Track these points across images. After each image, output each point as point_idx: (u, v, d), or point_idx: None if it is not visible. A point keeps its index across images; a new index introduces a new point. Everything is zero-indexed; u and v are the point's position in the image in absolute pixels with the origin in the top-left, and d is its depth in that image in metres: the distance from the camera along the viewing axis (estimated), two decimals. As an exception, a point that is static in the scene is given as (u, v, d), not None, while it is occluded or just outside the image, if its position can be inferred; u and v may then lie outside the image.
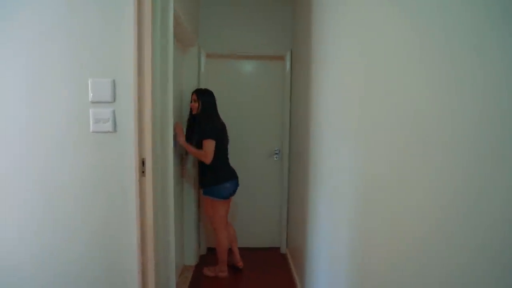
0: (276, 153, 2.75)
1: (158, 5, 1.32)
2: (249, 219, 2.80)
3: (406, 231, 0.78)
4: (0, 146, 1.22)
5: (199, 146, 2.07)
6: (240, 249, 2.71)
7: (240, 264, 2.43)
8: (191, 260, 2.47)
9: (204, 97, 2.14)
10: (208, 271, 2.34)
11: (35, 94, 1.22)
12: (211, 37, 2.55)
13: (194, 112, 2.16)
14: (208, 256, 2.64)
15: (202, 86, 2.54)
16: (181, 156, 2.30)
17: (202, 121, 2.11)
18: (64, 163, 1.24)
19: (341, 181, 1.27)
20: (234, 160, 2.58)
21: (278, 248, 2.82)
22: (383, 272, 0.89)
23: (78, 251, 1.27)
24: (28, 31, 1.20)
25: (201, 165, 2.17)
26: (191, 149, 2.08)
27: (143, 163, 1.26)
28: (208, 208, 2.22)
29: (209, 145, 2.04)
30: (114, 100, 1.26)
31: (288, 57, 2.60)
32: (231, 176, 2.19)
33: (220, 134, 2.13)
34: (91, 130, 1.25)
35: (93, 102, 1.24)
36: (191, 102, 2.17)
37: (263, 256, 2.69)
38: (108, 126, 1.25)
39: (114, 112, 1.25)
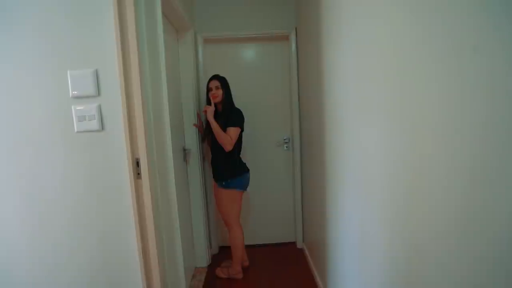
0: (286, 142, 2.56)
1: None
2: (260, 214, 2.64)
3: (478, 232, 0.59)
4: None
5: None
6: (253, 246, 2.58)
7: (246, 263, 2.31)
8: (203, 261, 2.33)
9: (226, 83, 2.01)
10: (221, 272, 2.19)
11: (9, 94, 1.05)
12: (208, 20, 2.34)
13: (216, 101, 1.97)
14: (221, 256, 2.50)
15: (201, 74, 2.36)
16: (183, 150, 2.13)
17: (226, 108, 1.98)
18: (48, 170, 1.09)
19: (368, 167, 1.09)
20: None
21: (294, 243, 2.67)
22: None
23: (75, 266, 1.13)
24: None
25: (218, 159, 2.02)
26: (218, 128, 1.88)
27: (137, 163, 1.09)
28: (224, 203, 2.04)
29: (235, 133, 1.92)
30: (99, 93, 1.08)
31: (293, 36, 2.37)
32: (246, 167, 2.11)
33: (243, 122, 2.01)
34: (75, 130, 1.08)
35: (75, 98, 1.07)
36: (210, 90, 1.99)
37: (279, 251, 2.54)
38: (94, 124, 1.08)
39: (100, 107, 1.08)
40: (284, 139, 2.56)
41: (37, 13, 1.03)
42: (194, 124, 2.18)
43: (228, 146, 1.90)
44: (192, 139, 2.22)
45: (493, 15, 0.53)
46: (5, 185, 1.08)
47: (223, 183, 2.00)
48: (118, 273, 1.14)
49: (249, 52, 2.51)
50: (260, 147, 2.57)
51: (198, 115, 2.24)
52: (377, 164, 1.02)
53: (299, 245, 2.61)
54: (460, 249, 0.64)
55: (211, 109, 1.92)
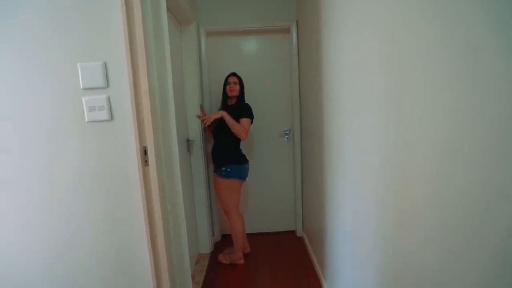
0: (287, 133, 2.62)
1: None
2: (261, 204, 2.72)
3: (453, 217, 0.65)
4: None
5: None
6: (254, 234, 2.67)
7: (248, 250, 2.41)
8: (206, 248, 2.42)
9: (242, 82, 2.22)
10: (223, 258, 2.29)
11: (22, 86, 1.11)
12: (209, 13, 2.37)
13: (233, 94, 2.17)
14: (223, 243, 2.59)
15: (204, 67, 2.40)
16: (186, 140, 2.20)
17: (240, 102, 2.18)
18: (60, 158, 1.15)
19: (364, 155, 1.15)
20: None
21: (294, 231, 2.75)
22: (421, 262, 0.78)
23: (86, 247, 1.20)
24: (6, 14, 1.07)
25: (221, 146, 2.14)
26: (232, 120, 2.04)
27: (145, 152, 1.15)
28: (223, 192, 2.13)
29: (248, 123, 2.10)
30: (108, 85, 1.14)
31: (294, 29, 2.40)
32: (246, 158, 2.21)
33: (253, 116, 2.17)
34: (86, 120, 1.14)
35: (85, 89, 1.13)
36: (228, 84, 2.17)
37: (279, 240, 2.63)
38: (104, 114, 1.14)
39: (109, 98, 1.14)
40: (285, 131, 2.62)
41: (48, 8, 1.08)
42: (198, 116, 2.24)
43: (244, 135, 2.07)
44: (195, 130, 2.28)
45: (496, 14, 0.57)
46: (20, 174, 1.15)
47: (223, 172, 2.08)
48: (127, 253, 1.21)
49: (250, 45, 2.55)
50: (262, 138, 2.63)
51: (202, 107, 2.30)
52: (371, 153, 1.08)
53: (299, 233, 2.70)
54: (437, 221, 0.70)
55: (224, 112, 2.07)
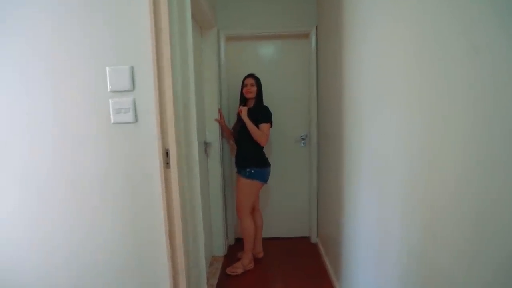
0: (303, 139, 2.60)
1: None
2: (276, 208, 2.71)
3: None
4: (20, 142, 1.19)
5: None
6: (268, 239, 2.66)
7: (261, 254, 2.40)
8: (220, 251, 2.44)
9: (260, 82, 2.20)
10: (232, 269, 2.19)
11: (54, 86, 1.16)
12: (229, 19, 2.41)
13: (250, 96, 2.16)
14: (237, 246, 2.59)
15: (223, 71, 2.43)
16: (204, 143, 2.23)
17: (258, 105, 2.17)
18: (86, 157, 1.19)
19: (388, 161, 1.13)
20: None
21: (308, 238, 2.72)
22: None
23: (105, 244, 1.23)
24: (41, 20, 1.13)
25: (245, 150, 2.15)
26: (253, 126, 2.06)
27: (167, 154, 1.18)
28: (243, 192, 2.15)
29: (268, 128, 2.10)
30: (134, 88, 1.17)
31: (313, 34, 2.40)
32: (268, 162, 2.23)
33: (272, 119, 2.16)
34: (112, 121, 1.18)
35: (112, 92, 1.17)
36: (245, 86, 2.17)
37: (293, 245, 2.61)
38: (129, 116, 1.18)
39: (134, 101, 1.17)
40: (301, 136, 2.61)
41: (81, 12, 1.13)
42: (216, 119, 2.27)
43: (264, 141, 2.08)
44: (212, 133, 2.31)
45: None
46: (47, 174, 1.20)
47: (247, 173, 2.11)
48: (146, 252, 1.24)
49: (269, 49, 2.57)
50: (278, 143, 2.63)
51: (220, 111, 2.33)
52: (395, 160, 1.06)
53: (313, 240, 2.67)
54: (477, 238, 0.68)
55: (245, 110, 2.07)
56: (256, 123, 2.07)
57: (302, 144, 2.62)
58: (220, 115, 2.32)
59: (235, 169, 2.29)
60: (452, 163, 0.74)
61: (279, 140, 2.63)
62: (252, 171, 2.10)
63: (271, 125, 2.14)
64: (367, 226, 1.35)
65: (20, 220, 1.23)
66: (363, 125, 1.37)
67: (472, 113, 0.67)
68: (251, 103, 2.20)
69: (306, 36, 2.46)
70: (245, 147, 2.16)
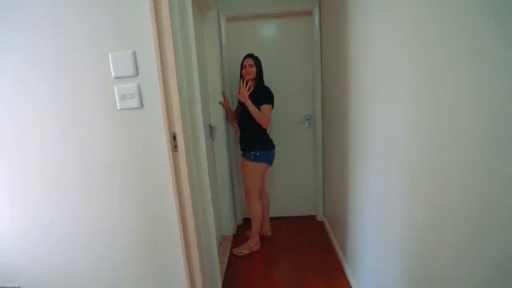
0: (308, 119, 2.60)
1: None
2: (282, 188, 2.76)
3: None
4: (27, 131, 1.21)
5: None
6: (275, 218, 2.73)
7: (269, 233, 2.46)
8: (229, 230, 2.51)
9: (259, 62, 2.13)
10: (240, 250, 2.24)
11: (58, 77, 1.17)
12: (229, -2, 2.35)
13: (249, 78, 2.09)
14: (245, 226, 2.67)
15: (225, 53, 2.40)
16: (209, 126, 2.24)
17: (259, 86, 2.11)
18: (94, 144, 1.22)
19: (393, 141, 1.14)
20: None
21: (314, 216, 2.78)
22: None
23: (118, 228, 1.29)
24: (43, 6, 1.13)
25: (249, 132, 2.13)
26: (254, 108, 2.01)
27: (174, 138, 1.20)
28: (249, 175, 2.15)
29: (269, 110, 2.05)
30: (138, 73, 1.18)
31: (316, 11, 2.34)
32: (273, 144, 2.21)
33: (274, 100, 2.12)
34: (118, 108, 1.19)
35: (116, 78, 1.18)
36: (244, 67, 2.10)
37: (300, 224, 2.67)
38: (135, 102, 1.19)
39: (139, 86, 1.18)
40: (306, 117, 2.60)
41: (81, 3, 1.12)
42: (220, 102, 2.27)
43: (265, 123, 2.03)
44: (217, 116, 2.32)
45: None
46: (54, 160, 1.23)
47: (252, 156, 2.10)
48: (159, 233, 1.29)
49: (271, 29, 2.51)
50: (283, 124, 2.64)
51: (224, 94, 2.32)
52: (400, 138, 1.06)
53: (319, 218, 2.73)
54: (473, 215, 0.70)
55: (245, 93, 2.00)
56: (257, 105, 2.03)
57: (307, 125, 2.62)
58: (224, 98, 2.31)
59: (240, 152, 2.28)
60: (457, 145, 0.75)
61: (284, 121, 2.63)
62: (257, 153, 2.10)
63: (273, 106, 2.11)
64: (371, 203, 1.37)
65: (28, 206, 1.28)
66: (368, 105, 1.36)
67: (476, 109, 0.66)
68: (251, 85, 2.12)
69: (309, 13, 2.40)
70: (249, 130, 2.14)
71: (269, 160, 2.16)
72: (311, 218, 2.77)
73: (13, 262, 1.35)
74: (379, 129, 1.25)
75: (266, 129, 2.14)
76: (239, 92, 2.05)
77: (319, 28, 2.36)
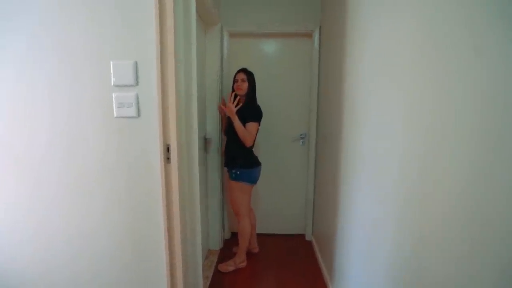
0: (302, 138, 2.63)
1: (180, -20, 1.22)
2: (272, 205, 2.75)
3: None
4: (23, 134, 1.21)
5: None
6: (263, 235, 2.70)
7: (256, 249, 2.42)
8: (216, 244, 2.48)
9: (252, 78, 2.09)
10: (225, 267, 2.19)
11: (58, 79, 1.18)
12: (234, 15, 2.41)
13: (240, 93, 2.04)
14: (233, 241, 2.63)
15: (225, 67, 2.44)
16: (204, 139, 2.25)
17: (248, 102, 2.04)
18: (88, 149, 1.21)
19: (383, 164, 1.16)
20: (257, 144, 2.50)
21: (303, 235, 2.76)
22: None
23: (105, 236, 1.27)
24: (48, 13, 1.15)
25: (233, 148, 2.07)
26: (240, 124, 1.93)
27: (168, 149, 1.21)
28: (234, 194, 2.10)
29: (255, 128, 1.99)
30: (137, 83, 1.19)
31: (316, 34, 2.41)
32: (258, 161, 2.16)
33: (261, 119, 2.06)
34: (114, 115, 1.20)
35: (115, 86, 1.19)
36: (236, 82, 2.07)
37: (287, 242, 2.65)
38: (132, 111, 1.20)
39: (137, 96, 1.19)
40: (301, 135, 2.63)
41: (87, 5, 1.14)
42: (219, 106, 2.25)
43: (249, 141, 1.96)
44: (212, 128, 2.33)
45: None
46: (47, 164, 1.22)
47: (233, 174, 2.04)
48: (145, 242, 1.27)
49: (272, 47, 2.58)
50: (277, 141, 2.66)
51: (223, 99, 2.30)
52: (391, 161, 1.09)
53: (308, 237, 2.71)
54: (462, 237, 0.71)
55: (233, 108, 1.93)
56: (244, 121, 1.96)
57: (301, 143, 2.65)
58: (223, 102, 2.22)
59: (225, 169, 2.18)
60: (449, 168, 0.77)
61: (278, 138, 2.66)
62: (238, 172, 2.02)
63: (259, 124, 2.03)
64: (360, 226, 1.38)
65: (21, 213, 1.26)
66: (361, 127, 1.39)
67: (470, 120, 0.69)
68: (241, 100, 2.05)
69: (309, 35, 2.47)
70: (233, 145, 2.05)
71: (251, 179, 2.07)
72: (300, 236, 2.75)
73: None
74: (371, 154, 1.27)
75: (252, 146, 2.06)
76: (226, 105, 1.98)
77: (318, 49, 2.43)
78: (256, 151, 2.29)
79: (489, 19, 0.63)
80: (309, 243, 2.65)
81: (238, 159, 2.04)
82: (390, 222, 1.08)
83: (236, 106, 1.96)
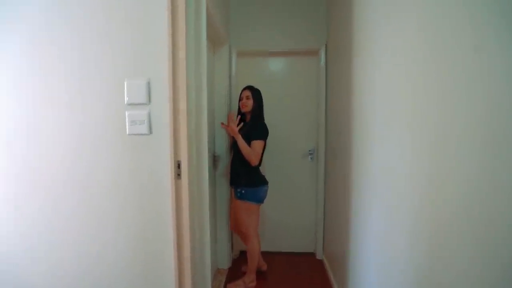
0: (311, 154, 2.62)
1: (192, 5, 1.28)
2: (282, 222, 2.70)
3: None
4: (41, 149, 1.24)
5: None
6: (272, 253, 2.64)
7: (265, 267, 2.36)
8: (225, 263, 2.42)
9: (258, 95, 2.07)
10: (234, 287, 2.13)
11: (74, 96, 1.22)
12: (241, 35, 2.49)
13: (245, 110, 2.03)
14: (241, 259, 2.58)
15: (234, 85, 2.49)
16: (213, 156, 2.26)
17: (254, 120, 2.02)
18: (101, 166, 1.23)
19: (395, 180, 1.14)
20: (266, 161, 2.50)
21: (313, 254, 2.69)
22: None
23: (115, 253, 1.26)
24: (65, 34, 1.20)
25: (238, 166, 2.04)
26: (244, 143, 1.90)
27: (178, 165, 1.22)
28: (241, 214, 2.04)
29: (260, 146, 1.94)
30: (150, 101, 1.22)
31: (322, 51, 2.46)
32: (265, 180, 2.11)
33: (267, 137, 2.03)
34: (127, 132, 1.22)
35: (129, 104, 1.22)
36: (241, 99, 2.07)
37: (298, 261, 2.58)
38: (144, 128, 1.22)
39: (149, 114, 1.22)
40: (309, 151, 2.63)
41: (102, 30, 1.20)
42: (222, 124, 2.19)
43: (255, 160, 1.92)
44: (221, 146, 2.34)
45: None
46: (65, 180, 1.24)
47: (238, 193, 1.99)
48: (154, 261, 1.25)
49: (279, 65, 2.63)
50: (286, 157, 2.65)
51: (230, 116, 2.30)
52: (402, 178, 1.07)
53: (319, 256, 2.63)
54: (482, 256, 0.68)
55: (235, 128, 1.92)
56: (248, 140, 1.92)
57: (310, 159, 2.63)
58: (232, 120, 2.08)
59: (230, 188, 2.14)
60: (458, 180, 0.75)
61: (287, 155, 2.65)
62: (243, 191, 1.96)
63: (265, 143, 1.99)
64: (373, 244, 1.34)
65: (33, 226, 1.27)
66: (371, 143, 1.38)
67: (478, 132, 0.68)
68: (248, 117, 2.04)
69: (316, 53, 2.52)
70: (237, 164, 2.01)
71: (257, 199, 2.01)
72: (310, 255, 2.68)
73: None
74: (382, 167, 1.26)
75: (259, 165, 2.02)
76: (228, 125, 1.96)
77: (324, 66, 2.47)
78: (265, 167, 2.30)
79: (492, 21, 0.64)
80: (320, 262, 2.57)
81: (243, 178, 1.99)
82: (404, 235, 1.05)
83: (238, 125, 1.95)
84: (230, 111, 2.09)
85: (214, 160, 2.29)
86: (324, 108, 2.49)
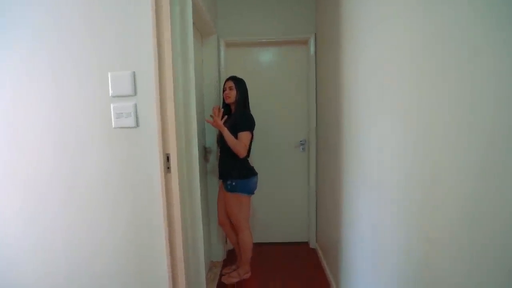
0: (302, 144, 2.62)
1: (176, -9, 1.23)
2: (274, 214, 2.71)
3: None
4: (22, 145, 1.20)
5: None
6: (266, 244, 2.66)
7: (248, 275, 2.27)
8: (219, 256, 2.43)
9: (241, 85, 2.00)
10: (229, 279, 2.13)
11: (57, 90, 1.18)
12: (229, 25, 2.44)
13: (229, 101, 1.99)
14: (235, 253, 2.58)
15: (222, 76, 2.45)
16: (203, 148, 2.23)
17: (238, 111, 1.97)
18: (87, 162, 1.20)
19: (384, 167, 1.14)
20: (257, 153, 2.49)
21: (307, 243, 2.72)
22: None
23: (106, 251, 1.24)
24: (47, 25, 1.15)
25: (226, 159, 2.01)
26: (230, 136, 1.86)
27: (167, 158, 1.19)
28: (232, 207, 2.02)
29: (247, 137, 1.90)
30: (135, 93, 1.19)
31: (312, 41, 2.44)
32: (255, 171, 2.07)
33: (254, 127, 1.99)
34: (113, 126, 1.19)
35: (113, 96, 1.18)
36: (224, 90, 2.01)
37: (292, 251, 2.60)
38: (130, 121, 1.19)
39: (135, 106, 1.19)
40: (300, 141, 2.62)
41: (87, 17, 1.15)
42: (209, 118, 2.13)
43: (242, 152, 1.88)
44: (212, 138, 2.32)
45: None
46: (51, 175, 1.21)
47: (229, 186, 1.96)
48: (146, 255, 1.23)
49: (268, 56, 2.60)
50: (277, 148, 2.64)
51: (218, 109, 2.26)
52: (391, 164, 1.07)
53: (312, 245, 2.66)
54: (467, 239, 0.69)
55: (219, 121, 1.86)
56: (234, 132, 1.88)
57: (301, 149, 2.64)
58: (215, 114, 1.96)
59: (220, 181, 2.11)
60: (450, 169, 0.76)
61: (279, 145, 2.65)
62: (233, 183, 1.94)
63: (252, 133, 1.95)
64: (365, 231, 1.36)
65: (20, 223, 1.24)
66: (361, 131, 1.38)
67: (472, 123, 0.68)
68: (233, 108, 2.00)
69: (305, 42, 2.50)
70: (226, 156, 1.98)
71: (247, 190, 1.99)
72: (304, 244, 2.71)
73: None
74: (372, 157, 1.26)
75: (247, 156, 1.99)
76: (213, 119, 1.90)
77: (314, 56, 2.45)
78: (257, 159, 2.28)
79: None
80: (314, 250, 2.61)
81: (232, 170, 1.97)
82: (396, 228, 1.06)
83: (222, 118, 1.90)
84: (215, 105, 2.04)
85: (205, 152, 2.27)
86: (314, 98, 2.49)
